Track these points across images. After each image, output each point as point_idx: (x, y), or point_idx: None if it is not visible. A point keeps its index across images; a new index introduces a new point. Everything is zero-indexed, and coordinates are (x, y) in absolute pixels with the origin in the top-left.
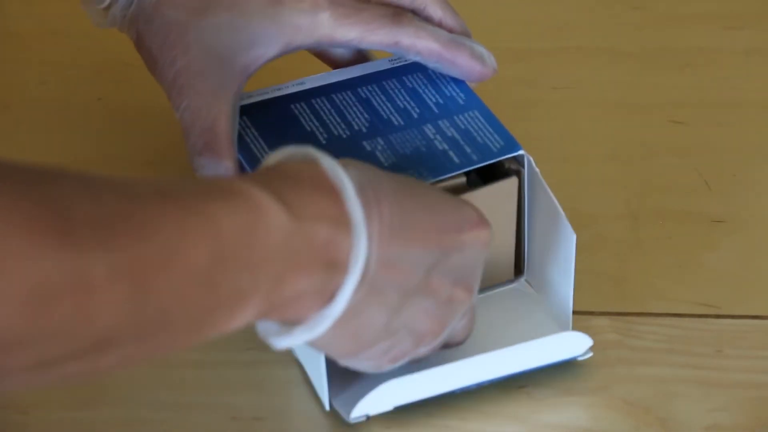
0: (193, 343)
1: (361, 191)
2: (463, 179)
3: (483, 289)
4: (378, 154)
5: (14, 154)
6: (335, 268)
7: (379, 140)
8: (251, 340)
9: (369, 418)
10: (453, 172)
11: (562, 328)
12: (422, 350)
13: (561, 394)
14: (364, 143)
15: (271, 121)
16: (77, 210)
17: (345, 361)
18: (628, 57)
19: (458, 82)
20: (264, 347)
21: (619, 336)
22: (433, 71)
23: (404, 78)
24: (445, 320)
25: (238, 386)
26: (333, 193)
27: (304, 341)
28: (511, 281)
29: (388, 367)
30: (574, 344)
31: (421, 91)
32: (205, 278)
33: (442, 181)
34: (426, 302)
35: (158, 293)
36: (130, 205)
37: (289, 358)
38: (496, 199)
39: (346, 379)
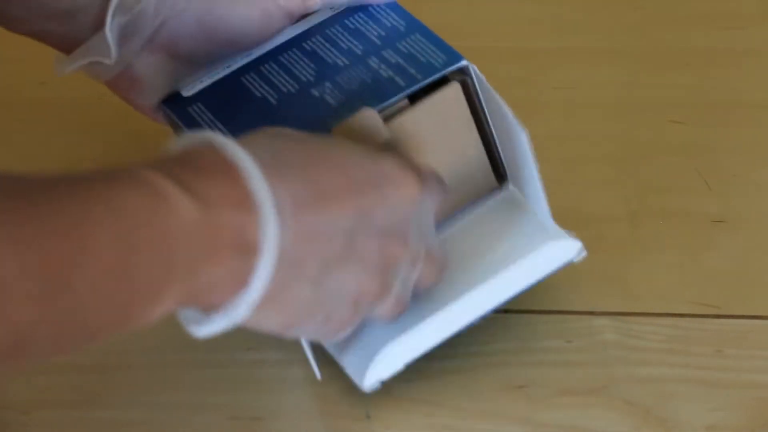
0: (115, 334)
1: (268, 171)
2: (406, 100)
3: (473, 202)
4: (327, 97)
5: (14, 154)
6: (248, 251)
7: (327, 84)
8: (251, 340)
9: (383, 383)
10: (398, 95)
11: (548, 232)
12: (377, 311)
13: (561, 394)
14: (313, 91)
15: (223, 100)
16: None
17: (287, 334)
18: (628, 57)
19: (398, 11)
20: (264, 347)
21: (619, 336)
22: (372, 9)
23: (346, 21)
24: (384, 279)
25: (238, 386)
26: (235, 175)
27: (225, 327)
28: (497, 190)
29: (341, 334)
30: (564, 251)
31: (363, 29)
32: (116, 269)
33: (386, 108)
34: (352, 267)
35: (71, 287)
36: (42, 202)
37: (289, 358)
38: (442, 109)
39: (354, 348)
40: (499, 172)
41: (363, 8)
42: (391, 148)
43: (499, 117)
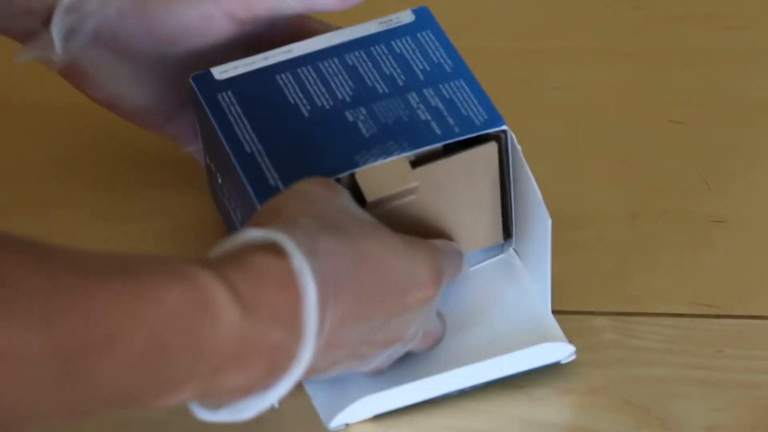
0: (122, 413)
1: (323, 290)
2: (440, 146)
3: (474, 255)
4: (360, 124)
5: (14, 154)
6: (275, 368)
7: (362, 110)
8: None
9: (348, 426)
10: (434, 143)
11: (544, 327)
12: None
13: (561, 394)
14: (347, 113)
15: (255, 95)
16: (23, 281)
17: None
18: (628, 57)
19: (447, 48)
20: None
21: (619, 336)
22: (421, 35)
23: (392, 43)
24: (378, 363)
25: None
26: (295, 297)
27: (228, 421)
28: (500, 246)
29: None
30: (555, 351)
31: (408, 57)
32: (141, 363)
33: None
34: (351, 363)
35: (91, 375)
36: (79, 282)
37: None
38: (474, 164)
39: (327, 385)
40: (507, 230)
41: (411, 32)
42: (424, 242)
43: (525, 188)
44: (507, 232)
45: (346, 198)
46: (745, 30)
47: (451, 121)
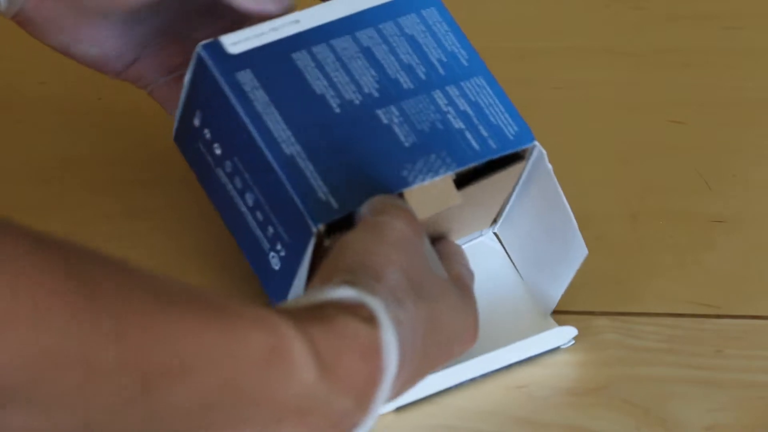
0: None
1: (400, 363)
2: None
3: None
4: (396, 129)
5: (14, 154)
6: (336, 429)
7: (393, 110)
8: None
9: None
10: (476, 161)
11: (545, 318)
12: None
13: (561, 394)
14: (379, 113)
15: (277, 79)
16: (106, 296)
17: None
18: (628, 57)
19: (455, 31)
20: None
21: (619, 336)
22: (426, 13)
23: (400, 21)
24: None
25: None
26: (375, 370)
27: None
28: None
29: None
30: (559, 336)
31: (421, 42)
32: (211, 400)
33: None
34: None
35: (164, 400)
36: (157, 303)
37: None
38: (507, 181)
39: None
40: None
41: (414, 8)
42: (467, 289)
43: (554, 213)
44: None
45: (426, 243)
46: (745, 30)
47: (483, 131)
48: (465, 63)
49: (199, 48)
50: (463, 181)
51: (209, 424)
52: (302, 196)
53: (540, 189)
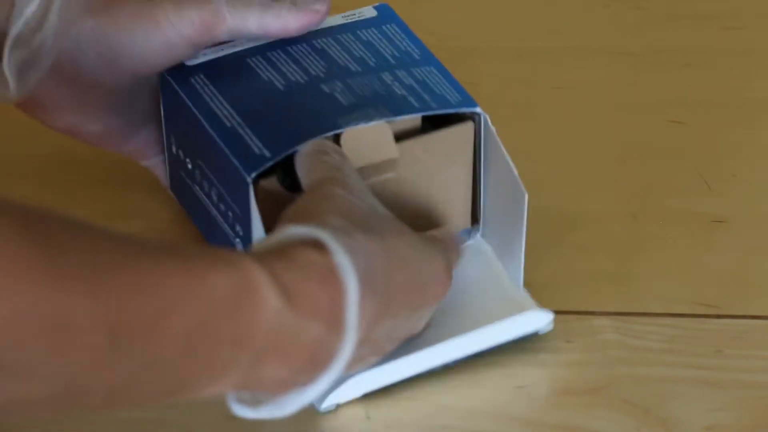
0: (163, 403)
1: (361, 288)
2: (419, 122)
3: None
4: (337, 95)
5: (14, 154)
6: (316, 364)
7: (338, 83)
8: None
9: (339, 407)
10: (413, 113)
11: (517, 296)
12: None
13: (561, 394)
14: (323, 86)
15: (227, 75)
16: (72, 254)
17: None
18: (628, 57)
19: (413, 39)
20: None
21: (619, 336)
22: (386, 27)
23: (358, 32)
24: (394, 346)
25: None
26: (336, 292)
27: (269, 418)
28: (467, 231)
29: None
30: (535, 319)
31: (376, 44)
32: (185, 344)
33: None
34: (370, 357)
35: (136, 349)
36: (125, 258)
37: None
38: (451, 144)
39: None
40: (474, 216)
41: (377, 24)
42: (434, 237)
43: (499, 169)
44: (474, 218)
45: (367, 197)
46: (745, 30)
47: (426, 97)
48: (417, 57)
49: (163, 73)
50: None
51: (190, 373)
52: (239, 155)
53: (490, 159)
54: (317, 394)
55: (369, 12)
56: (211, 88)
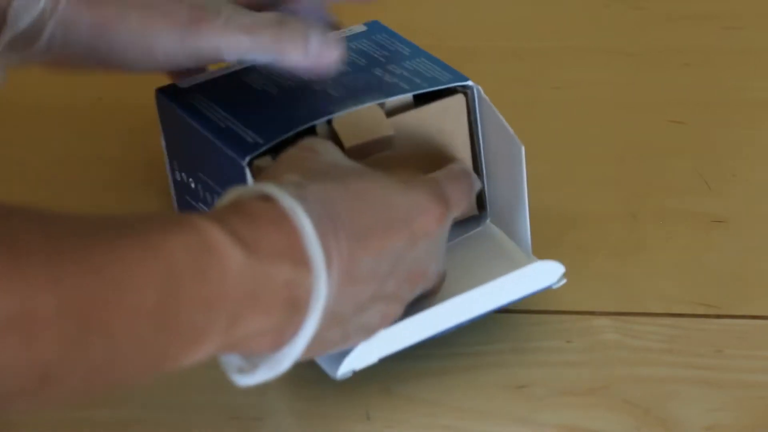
0: (149, 377)
1: (319, 224)
2: (410, 97)
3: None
4: (329, 90)
5: (14, 154)
6: (296, 307)
7: (329, 81)
8: None
9: (355, 373)
10: (403, 94)
11: (526, 255)
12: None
13: (561, 394)
14: (314, 86)
15: (223, 91)
16: (27, 244)
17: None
18: (628, 57)
19: (402, 41)
20: None
21: (619, 336)
22: (376, 37)
23: (349, 44)
24: (401, 305)
25: (238, 386)
26: (292, 232)
27: (268, 378)
28: (476, 219)
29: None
30: (547, 273)
31: (366, 49)
32: (156, 316)
33: (391, 107)
34: (381, 304)
35: (107, 330)
36: (82, 241)
37: None
38: (444, 117)
39: None
40: (482, 204)
41: (365, 36)
42: (421, 179)
43: (496, 135)
44: (481, 206)
45: (331, 154)
46: (745, 30)
47: (417, 80)
48: (407, 53)
49: (156, 90)
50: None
51: (167, 344)
52: (232, 147)
53: (487, 127)
54: (308, 339)
55: (359, 28)
56: (206, 100)
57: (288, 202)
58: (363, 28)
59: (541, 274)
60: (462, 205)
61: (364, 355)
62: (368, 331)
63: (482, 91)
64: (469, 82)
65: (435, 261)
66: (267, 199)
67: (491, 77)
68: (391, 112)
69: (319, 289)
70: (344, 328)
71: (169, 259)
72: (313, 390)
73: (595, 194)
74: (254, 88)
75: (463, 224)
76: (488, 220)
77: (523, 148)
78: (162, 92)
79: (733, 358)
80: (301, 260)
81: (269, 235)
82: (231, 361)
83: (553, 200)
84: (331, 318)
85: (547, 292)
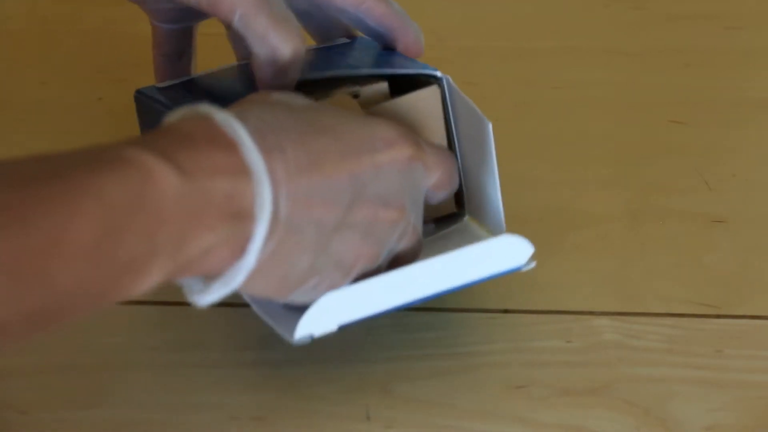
0: (96, 310)
1: (260, 138)
2: (386, 86)
3: (429, 228)
4: (305, 76)
5: (14, 154)
6: (242, 218)
7: (305, 70)
8: (251, 340)
9: (313, 339)
10: (374, 72)
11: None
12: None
13: (561, 394)
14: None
15: (201, 89)
16: None
17: (277, 299)
18: (628, 57)
19: (384, 50)
20: (264, 347)
21: (619, 336)
22: (357, 44)
23: (327, 50)
24: (377, 245)
25: (238, 386)
26: (230, 145)
27: (225, 294)
28: (454, 217)
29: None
30: (515, 251)
31: (345, 52)
32: (96, 254)
33: (365, 83)
34: (351, 234)
35: (47, 276)
36: (12, 193)
37: (289, 358)
38: (418, 108)
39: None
40: (460, 202)
41: (347, 45)
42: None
43: (467, 121)
44: (459, 204)
45: (292, 97)
46: (745, 30)
47: (389, 69)
48: (384, 52)
49: (135, 92)
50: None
51: (112, 278)
52: None
53: (458, 116)
54: (259, 249)
55: (342, 40)
56: (184, 99)
57: (222, 116)
58: (346, 40)
59: (509, 251)
60: (438, 172)
61: (323, 319)
62: (342, 268)
63: (451, 80)
64: (438, 73)
65: (410, 201)
66: (201, 118)
67: (491, 77)
68: (366, 103)
69: (262, 194)
70: (313, 254)
71: (101, 197)
72: (313, 390)
73: (595, 194)
74: (233, 88)
75: (441, 222)
76: (466, 218)
77: (490, 124)
78: (141, 93)
79: (733, 358)
80: (241, 170)
81: (204, 151)
82: (191, 284)
83: (553, 200)
84: (290, 234)
85: (547, 291)
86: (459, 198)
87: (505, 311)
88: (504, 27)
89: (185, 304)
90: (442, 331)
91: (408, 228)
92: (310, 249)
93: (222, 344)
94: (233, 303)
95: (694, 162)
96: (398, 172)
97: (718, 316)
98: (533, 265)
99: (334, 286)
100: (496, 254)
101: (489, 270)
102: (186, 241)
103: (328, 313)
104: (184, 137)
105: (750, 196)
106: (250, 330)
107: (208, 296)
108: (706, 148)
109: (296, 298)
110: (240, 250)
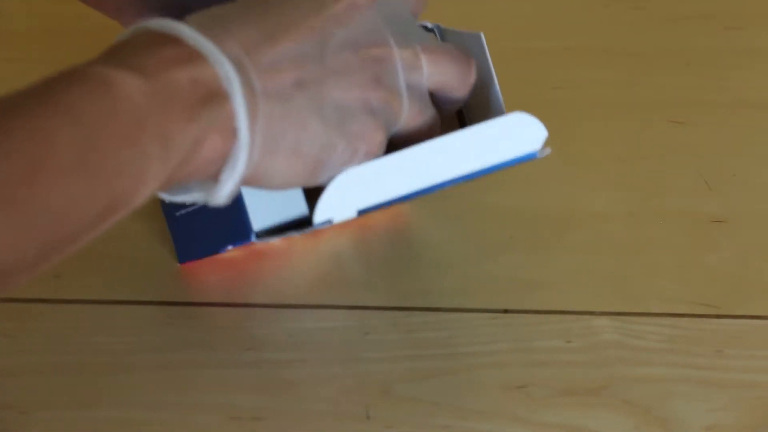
0: (105, 228)
1: (203, 29)
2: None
3: None
4: None
5: None
6: (216, 99)
7: None
8: (251, 340)
9: (332, 223)
10: None
11: None
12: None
13: (561, 394)
14: None
15: None
16: None
17: (318, 179)
18: (628, 57)
19: None
20: (264, 347)
21: (619, 336)
22: None
23: None
24: (383, 81)
25: (238, 386)
26: (173, 40)
27: (237, 182)
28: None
29: (373, 155)
30: (529, 133)
31: None
32: (82, 169)
33: None
34: (340, 81)
35: (31, 199)
36: None
37: (289, 357)
38: None
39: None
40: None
41: None
42: None
43: (462, 45)
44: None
45: None
46: (745, 30)
47: None
48: None
49: None
50: None
51: (110, 192)
52: None
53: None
54: (247, 127)
55: None
56: None
57: (159, 21)
58: None
59: (523, 133)
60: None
61: (341, 203)
62: (358, 112)
63: (442, 26)
64: (428, 24)
65: (399, 33)
66: (144, 30)
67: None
68: None
69: (223, 68)
70: (314, 114)
71: (72, 114)
72: (313, 390)
73: (595, 194)
74: None
75: None
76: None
77: (482, 34)
78: None
79: (733, 358)
80: (194, 56)
81: (155, 53)
82: (204, 187)
83: (553, 200)
84: (272, 104)
85: (546, 291)
86: (461, 120)
87: (505, 311)
88: (504, 27)
89: (186, 303)
90: (442, 331)
91: (414, 53)
92: (305, 111)
93: (222, 344)
94: (233, 303)
95: (694, 162)
96: (363, 12)
97: (718, 316)
98: (548, 151)
99: (369, 135)
100: (511, 133)
101: (505, 154)
102: (170, 136)
103: (345, 197)
104: (133, 46)
105: (750, 196)
106: (251, 330)
107: (220, 188)
108: (706, 148)
109: (337, 169)
110: (230, 133)
